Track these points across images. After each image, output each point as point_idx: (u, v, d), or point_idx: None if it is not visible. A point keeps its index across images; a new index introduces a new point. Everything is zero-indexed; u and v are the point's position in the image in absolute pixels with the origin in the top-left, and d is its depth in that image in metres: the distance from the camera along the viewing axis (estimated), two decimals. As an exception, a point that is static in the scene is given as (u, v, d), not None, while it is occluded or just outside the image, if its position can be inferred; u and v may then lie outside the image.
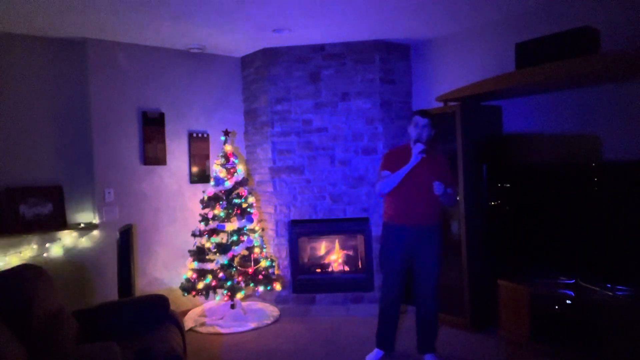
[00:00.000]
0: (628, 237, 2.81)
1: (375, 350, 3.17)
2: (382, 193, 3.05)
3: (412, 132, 2.99)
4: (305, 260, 4.55)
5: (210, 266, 3.89)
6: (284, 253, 4.42)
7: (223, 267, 3.90)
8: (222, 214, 3.99)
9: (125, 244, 3.41)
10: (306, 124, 4.34)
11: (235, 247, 3.93)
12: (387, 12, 3.49)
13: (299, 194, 4.37)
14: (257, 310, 4.17)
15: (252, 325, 3.87)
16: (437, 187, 2.85)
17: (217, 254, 3.92)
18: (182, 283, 3.96)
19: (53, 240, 3.65)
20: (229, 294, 3.87)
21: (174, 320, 2.79)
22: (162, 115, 4.20)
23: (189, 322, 3.93)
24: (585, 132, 3.26)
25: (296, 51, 4.31)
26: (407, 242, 3.00)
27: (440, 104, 3.82)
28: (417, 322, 3.14)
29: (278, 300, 4.34)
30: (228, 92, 4.66)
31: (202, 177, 4.43)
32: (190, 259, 4.00)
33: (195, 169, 4.40)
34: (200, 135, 4.43)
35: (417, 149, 2.88)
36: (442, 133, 3.78)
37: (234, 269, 3.93)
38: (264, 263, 4.06)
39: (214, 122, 4.54)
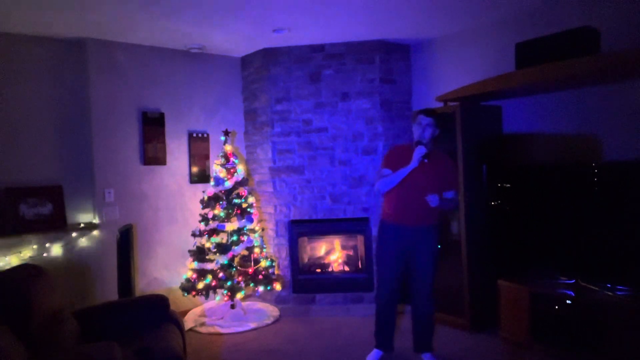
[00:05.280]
0: (628, 237, 2.81)
1: (375, 350, 3.17)
2: (381, 192, 3.03)
3: (415, 130, 2.94)
4: (305, 260, 4.55)
5: (210, 266, 3.89)
6: (284, 253, 4.41)
7: (223, 267, 3.90)
8: (222, 214, 3.99)
9: (125, 244, 3.41)
10: (306, 124, 4.34)
11: (235, 247, 3.93)
12: (387, 12, 3.49)
13: (299, 194, 4.37)
14: (257, 310, 4.17)
15: (252, 325, 3.87)
16: (432, 201, 2.82)
17: (217, 254, 3.92)
18: (182, 283, 3.96)
19: (53, 240, 3.65)
20: (229, 294, 3.87)
21: (174, 320, 2.79)
22: (162, 115, 4.20)
23: (189, 322, 3.93)
24: (585, 132, 3.26)
25: (296, 51, 4.31)
26: (403, 242, 2.98)
27: (440, 104, 3.82)
28: (413, 321, 3.13)
29: (278, 300, 4.34)
30: (228, 92, 4.66)
31: (202, 177, 4.42)
32: (190, 259, 4.00)
33: (195, 169, 4.40)
34: (200, 135, 4.43)
35: (418, 152, 2.81)
36: (442, 133, 3.78)
37: (234, 269, 3.93)
38: (264, 263, 4.06)
39: (214, 122, 4.54)
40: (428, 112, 2.94)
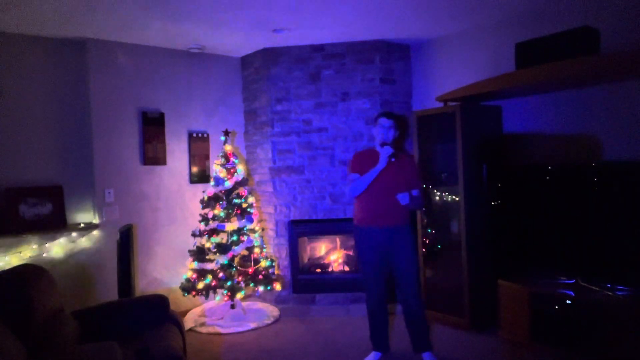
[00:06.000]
0: (628, 237, 2.81)
1: (373, 352, 3.17)
2: (353, 195, 3.09)
3: (377, 133, 3.04)
4: (305, 260, 4.55)
5: (210, 266, 3.89)
6: (284, 253, 4.42)
7: (223, 267, 3.90)
8: (222, 214, 3.99)
9: (125, 244, 3.41)
10: (306, 124, 4.34)
11: (235, 247, 3.93)
12: (387, 12, 3.49)
13: (299, 194, 4.37)
14: (257, 310, 4.17)
15: (252, 325, 3.87)
16: (403, 199, 2.92)
17: (217, 254, 3.92)
18: (182, 283, 3.96)
19: (53, 240, 3.65)
20: (229, 294, 3.87)
21: (174, 320, 2.79)
22: (162, 115, 4.20)
23: (189, 322, 3.92)
24: (585, 132, 3.26)
25: (296, 51, 4.31)
26: (379, 244, 3.02)
27: (440, 104, 3.82)
28: (406, 322, 3.14)
29: (278, 300, 4.34)
30: (228, 92, 4.66)
31: (202, 177, 4.42)
32: (190, 259, 4.00)
33: (195, 169, 4.40)
34: (200, 135, 4.43)
35: (385, 152, 2.91)
36: (442, 133, 3.79)
37: (234, 269, 3.93)
38: (264, 263, 4.06)
39: (214, 122, 4.54)
40: (389, 115, 3.07)
